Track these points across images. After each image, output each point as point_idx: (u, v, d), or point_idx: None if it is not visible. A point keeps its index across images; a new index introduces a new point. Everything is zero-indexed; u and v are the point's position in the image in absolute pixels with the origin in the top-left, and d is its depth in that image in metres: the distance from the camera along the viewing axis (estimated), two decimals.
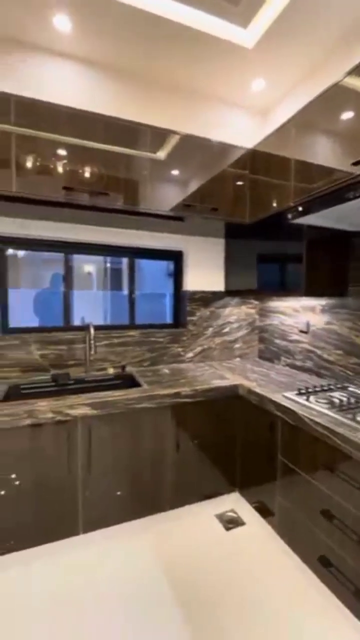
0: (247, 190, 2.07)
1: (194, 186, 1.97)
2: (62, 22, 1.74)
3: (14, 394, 1.79)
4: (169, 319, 2.58)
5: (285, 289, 1.94)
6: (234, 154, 2.06)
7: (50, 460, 1.52)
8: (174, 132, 1.89)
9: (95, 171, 1.72)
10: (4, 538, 1.47)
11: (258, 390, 1.74)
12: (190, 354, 2.41)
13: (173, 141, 1.91)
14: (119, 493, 1.67)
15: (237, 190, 2.06)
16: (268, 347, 2.50)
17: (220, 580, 1.47)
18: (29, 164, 1.59)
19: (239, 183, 2.07)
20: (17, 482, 1.46)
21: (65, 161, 1.66)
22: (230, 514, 1.87)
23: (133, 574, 1.48)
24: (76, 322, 2.27)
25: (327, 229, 1.73)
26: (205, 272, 2.44)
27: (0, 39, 1.77)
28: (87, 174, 1.71)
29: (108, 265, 6.92)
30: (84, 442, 1.57)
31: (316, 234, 1.74)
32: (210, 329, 2.47)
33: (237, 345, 2.56)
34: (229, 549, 1.64)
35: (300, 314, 2.18)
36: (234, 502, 1.93)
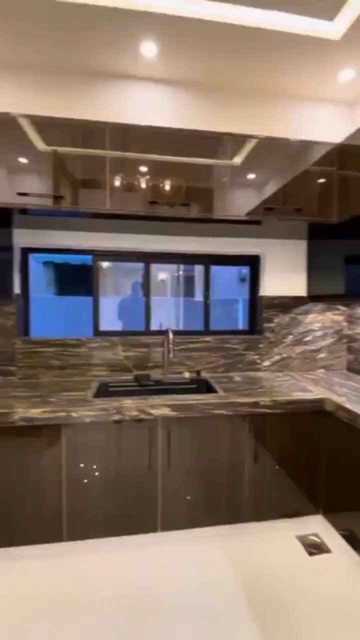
0: (336, 188, 1.91)
1: (274, 188, 1.91)
2: (148, 48, 1.87)
3: (103, 391, 1.97)
4: (241, 325, 2.53)
5: None
6: (319, 151, 1.94)
7: (133, 455, 1.62)
8: (253, 137, 1.87)
9: (177, 184, 1.80)
10: (89, 524, 1.61)
11: (349, 406, 1.57)
12: (267, 363, 2.32)
13: (253, 145, 1.88)
14: (196, 496, 1.68)
15: (324, 189, 1.93)
16: (359, 358, 2.25)
17: (303, 604, 1.35)
18: (120, 183, 1.75)
19: (325, 181, 1.93)
20: (96, 474, 1.59)
21: (150, 177, 1.78)
22: (314, 538, 1.72)
23: (207, 581, 1.47)
24: (153, 327, 2.39)
25: None
26: (284, 276, 2.33)
27: (95, 72, 1.99)
28: (170, 187, 1.80)
29: (180, 273, 7.17)
30: (163, 442, 1.63)
31: None
32: (290, 337, 2.34)
33: (321, 355, 2.37)
34: (312, 575, 1.51)
35: None
36: (317, 526, 1.77)
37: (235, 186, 1.88)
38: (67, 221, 2.01)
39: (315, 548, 1.66)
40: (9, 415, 1.47)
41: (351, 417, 1.53)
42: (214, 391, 1.87)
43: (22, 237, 2.07)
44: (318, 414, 1.73)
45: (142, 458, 1.63)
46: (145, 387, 2.07)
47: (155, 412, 1.59)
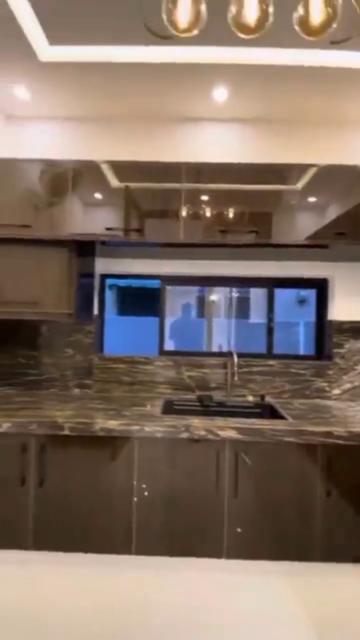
0: None
1: (343, 212, 1.89)
2: (220, 94, 2.05)
3: (169, 408, 2.04)
4: (302, 349, 2.44)
5: None
6: None
7: (198, 475, 1.64)
8: (317, 165, 1.89)
9: (245, 211, 1.89)
10: (156, 540, 1.65)
11: None
12: (337, 391, 2.20)
13: (318, 172, 1.91)
14: (263, 527, 1.63)
15: None
16: None
17: None
18: (191, 215, 1.89)
19: None
20: (145, 493, 1.63)
21: (219, 207, 1.90)
22: None
23: (273, 617, 1.39)
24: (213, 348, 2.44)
25: None
26: (355, 300, 2.23)
27: (171, 117, 2.21)
28: (238, 215, 1.90)
29: (234, 294, 7.16)
30: (230, 465, 1.63)
31: None
32: None
33: None
34: None
35: None
36: None
37: (303, 210, 1.91)
38: (138, 250, 2.20)
39: None
40: (91, 425, 1.61)
41: None
42: (281, 417, 1.83)
43: (101, 265, 2.31)
44: None
45: (208, 479, 1.64)
46: (208, 408, 2.10)
47: (223, 433, 1.61)
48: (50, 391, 2.22)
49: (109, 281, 2.53)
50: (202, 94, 2.05)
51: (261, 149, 2.18)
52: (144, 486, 1.64)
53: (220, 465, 1.63)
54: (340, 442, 1.59)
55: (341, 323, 2.23)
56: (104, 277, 2.40)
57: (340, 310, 2.25)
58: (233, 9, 0.97)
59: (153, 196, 1.97)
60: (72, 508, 1.66)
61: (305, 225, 1.92)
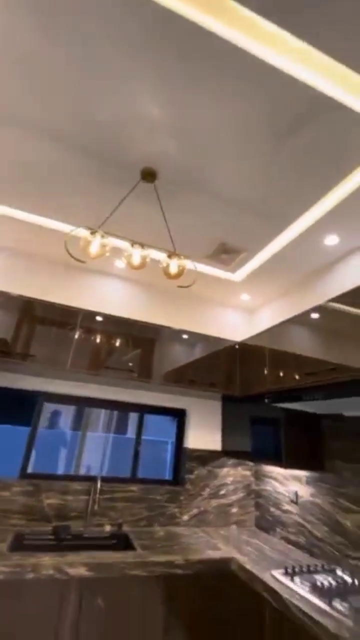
0: (238, 372, 2.66)
1: (196, 366, 2.59)
2: (120, 264, 2.79)
3: (17, 544, 1.88)
4: (168, 469, 2.74)
5: (273, 458, 2.22)
6: (227, 342, 2.78)
7: (37, 621, 1.51)
8: (186, 332, 2.66)
9: (129, 358, 2.39)
10: None
11: (248, 566, 1.78)
12: (186, 517, 2.47)
13: (185, 336, 2.66)
14: None
15: (230, 370, 2.66)
16: (264, 515, 2.54)
17: None
18: (87, 350, 2.27)
19: (230, 366, 2.69)
20: None
21: (104, 344, 2.35)
22: None
23: None
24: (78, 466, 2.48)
25: (299, 410, 2.18)
26: (204, 431, 2.78)
27: (87, 270, 2.79)
28: (122, 358, 2.37)
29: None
30: (74, 607, 1.57)
31: (292, 413, 2.19)
32: (207, 490, 2.60)
33: (233, 510, 2.60)
34: None
35: (290, 482, 2.37)
36: None
37: (171, 363, 2.52)
38: (20, 365, 2.33)
39: None
40: None
41: (249, 577, 1.72)
42: (133, 548, 1.93)
43: None
44: (225, 574, 1.85)
45: (49, 625, 1.51)
46: (62, 542, 2.02)
47: (72, 571, 1.60)
48: None
49: None
50: (109, 261, 2.75)
51: (146, 307, 2.88)
52: None
53: (63, 609, 1.56)
54: (179, 571, 1.78)
55: (192, 451, 2.68)
56: None
57: (193, 438, 2.74)
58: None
59: (49, 326, 2.30)
60: None
61: (172, 368, 2.51)
